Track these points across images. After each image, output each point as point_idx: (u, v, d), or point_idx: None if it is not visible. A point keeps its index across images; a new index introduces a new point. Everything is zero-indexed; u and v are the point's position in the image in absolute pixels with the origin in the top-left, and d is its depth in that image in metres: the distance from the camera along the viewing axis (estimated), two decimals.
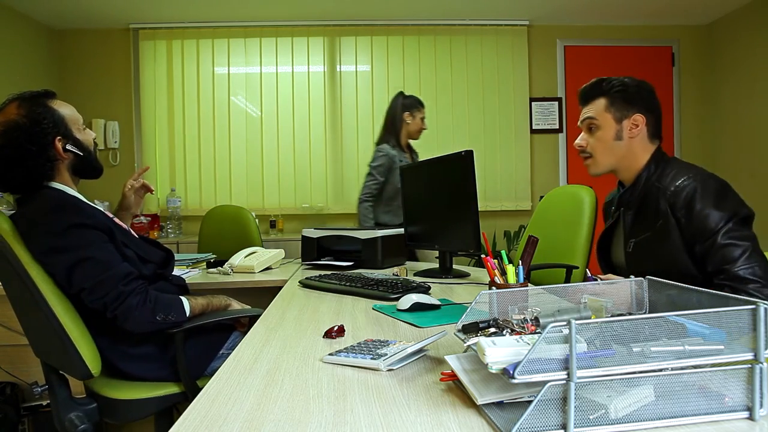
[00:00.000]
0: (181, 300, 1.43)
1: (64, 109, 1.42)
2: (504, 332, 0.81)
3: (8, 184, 1.38)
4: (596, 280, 1.42)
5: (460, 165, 1.85)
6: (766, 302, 0.64)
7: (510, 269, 1.14)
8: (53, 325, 1.29)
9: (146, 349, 1.43)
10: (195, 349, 1.47)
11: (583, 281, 1.41)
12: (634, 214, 1.42)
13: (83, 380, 1.38)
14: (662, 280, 0.88)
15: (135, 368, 1.43)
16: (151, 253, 1.52)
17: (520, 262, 1.18)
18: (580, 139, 1.49)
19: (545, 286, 0.96)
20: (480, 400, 0.69)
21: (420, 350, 0.96)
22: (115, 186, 2.44)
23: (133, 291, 1.31)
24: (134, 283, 1.32)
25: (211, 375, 1.48)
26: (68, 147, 1.39)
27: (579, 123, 1.51)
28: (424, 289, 1.58)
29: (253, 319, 1.52)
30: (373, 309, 1.42)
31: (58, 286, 1.31)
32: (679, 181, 1.30)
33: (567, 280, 1.94)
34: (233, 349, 1.49)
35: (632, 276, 0.93)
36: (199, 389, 1.41)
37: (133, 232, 1.56)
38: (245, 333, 1.55)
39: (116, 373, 1.45)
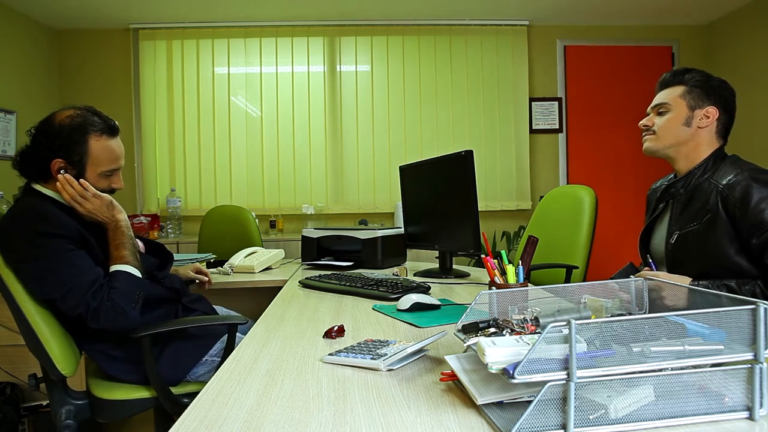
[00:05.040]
0: (128, 274, 1.38)
1: (97, 148, 1.40)
2: (504, 332, 0.81)
3: (20, 163, 1.43)
4: (653, 264, 1.46)
5: (460, 165, 1.85)
6: (766, 302, 0.64)
7: (510, 269, 1.14)
8: (23, 324, 1.31)
9: (124, 351, 1.43)
10: (175, 353, 1.46)
11: (626, 271, 1.41)
12: (682, 206, 1.42)
13: (57, 380, 1.40)
14: (668, 282, 0.87)
15: (115, 369, 1.43)
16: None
17: (520, 262, 1.18)
18: (647, 120, 1.48)
19: (545, 286, 0.96)
20: (480, 400, 0.69)
21: (420, 350, 0.96)
22: None
23: (101, 299, 1.30)
24: (101, 290, 1.31)
25: (194, 381, 1.49)
26: (61, 173, 1.37)
27: (649, 108, 1.49)
28: (424, 289, 1.58)
29: (233, 327, 1.49)
30: (373, 309, 1.42)
31: (28, 291, 1.33)
32: (731, 176, 1.30)
33: (567, 280, 1.94)
34: (219, 357, 1.49)
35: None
36: (173, 395, 1.41)
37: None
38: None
39: (103, 373, 1.47)
